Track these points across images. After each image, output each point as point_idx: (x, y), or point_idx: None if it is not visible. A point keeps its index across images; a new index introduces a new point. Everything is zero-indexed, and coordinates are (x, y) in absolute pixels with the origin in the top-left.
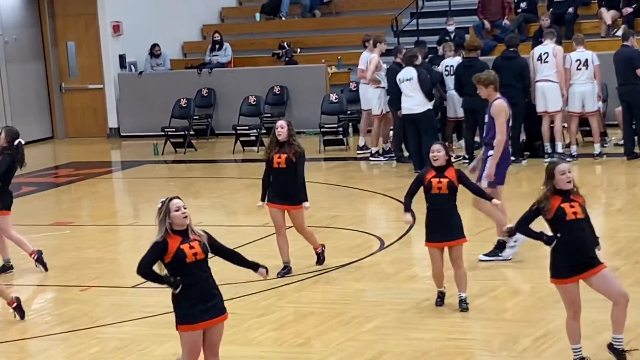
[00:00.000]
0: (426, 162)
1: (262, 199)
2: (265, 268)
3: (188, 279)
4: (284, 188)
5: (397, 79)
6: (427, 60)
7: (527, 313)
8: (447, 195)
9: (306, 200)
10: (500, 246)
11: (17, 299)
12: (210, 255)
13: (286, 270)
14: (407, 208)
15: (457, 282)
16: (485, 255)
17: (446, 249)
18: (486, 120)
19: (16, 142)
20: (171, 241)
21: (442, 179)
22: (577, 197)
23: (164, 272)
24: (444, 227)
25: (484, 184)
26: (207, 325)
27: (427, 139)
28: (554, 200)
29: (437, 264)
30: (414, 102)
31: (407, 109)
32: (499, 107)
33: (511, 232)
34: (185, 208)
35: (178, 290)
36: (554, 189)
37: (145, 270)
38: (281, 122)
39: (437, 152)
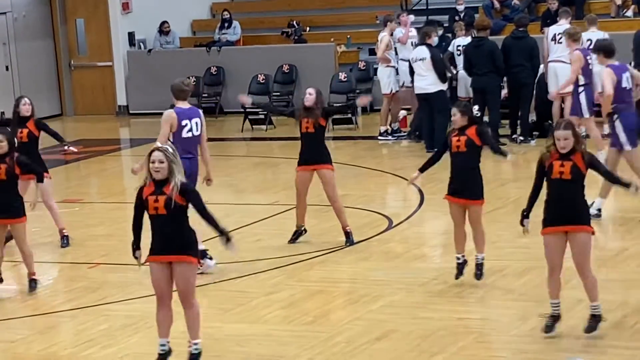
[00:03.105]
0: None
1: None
2: (231, 243)
3: (151, 228)
4: (312, 151)
5: (410, 58)
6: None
7: (536, 292)
8: (466, 152)
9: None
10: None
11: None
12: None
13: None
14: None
15: (475, 242)
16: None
17: None
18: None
19: None
20: (145, 189)
21: (460, 137)
22: (576, 157)
23: None
24: (461, 185)
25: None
26: (157, 260)
27: (441, 118)
28: (552, 156)
29: (456, 224)
30: (427, 81)
31: (419, 88)
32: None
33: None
34: (161, 162)
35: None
36: (555, 147)
37: (134, 218)
38: (310, 90)
39: (453, 116)
